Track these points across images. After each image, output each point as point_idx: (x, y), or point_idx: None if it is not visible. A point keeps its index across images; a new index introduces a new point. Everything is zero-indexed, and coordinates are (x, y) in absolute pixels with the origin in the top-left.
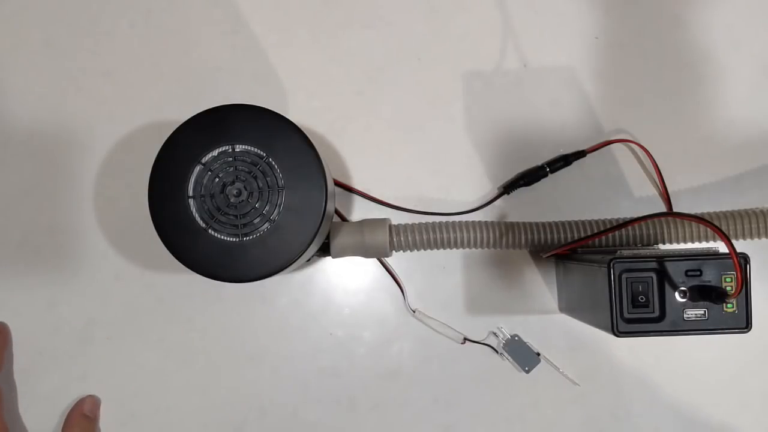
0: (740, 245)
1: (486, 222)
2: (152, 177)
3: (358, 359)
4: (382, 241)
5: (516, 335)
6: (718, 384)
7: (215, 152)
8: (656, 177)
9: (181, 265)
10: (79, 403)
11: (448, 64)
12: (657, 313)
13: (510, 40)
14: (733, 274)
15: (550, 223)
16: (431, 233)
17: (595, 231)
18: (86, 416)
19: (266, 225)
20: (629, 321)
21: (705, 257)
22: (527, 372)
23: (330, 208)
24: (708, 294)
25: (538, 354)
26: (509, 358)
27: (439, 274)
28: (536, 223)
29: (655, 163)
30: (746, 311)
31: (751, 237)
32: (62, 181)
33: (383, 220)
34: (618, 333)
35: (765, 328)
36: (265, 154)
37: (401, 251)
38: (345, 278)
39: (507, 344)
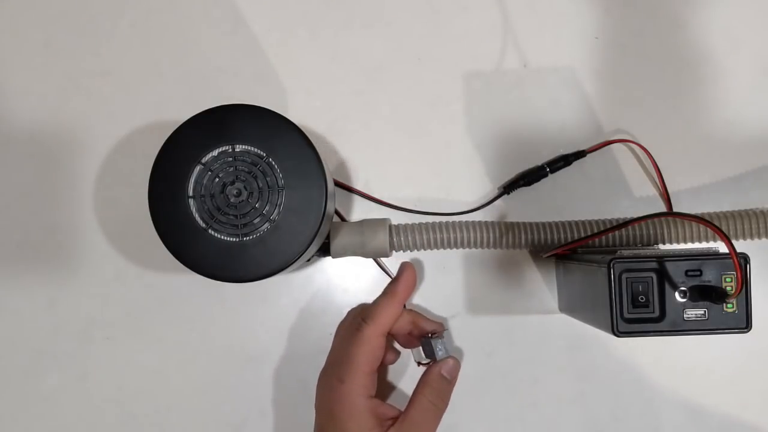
0: (740, 245)
1: (486, 222)
2: (152, 177)
3: None
4: (382, 241)
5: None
6: (718, 384)
7: (215, 152)
8: (656, 177)
9: (181, 265)
10: (440, 363)
11: (448, 64)
12: (657, 313)
13: (510, 40)
14: (733, 274)
15: (550, 223)
16: (431, 233)
17: (595, 231)
18: (444, 377)
19: (266, 225)
20: (629, 321)
21: (705, 257)
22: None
23: (330, 208)
24: (708, 294)
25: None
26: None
27: (439, 274)
28: (536, 223)
29: (655, 163)
30: (746, 311)
31: (751, 237)
32: (62, 181)
33: (383, 220)
34: (618, 333)
35: (765, 328)
36: (265, 154)
37: (401, 251)
38: (345, 278)
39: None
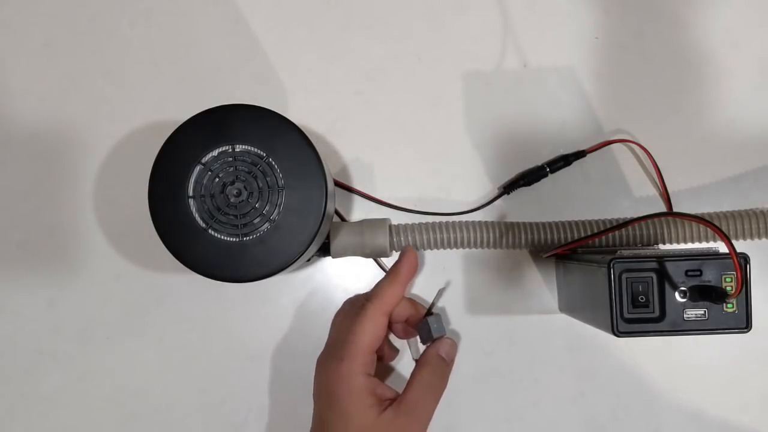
0: (740, 245)
1: (486, 222)
2: (152, 177)
3: None
4: (382, 241)
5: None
6: (718, 384)
7: (215, 152)
8: (656, 177)
9: (181, 265)
10: (437, 344)
11: (448, 64)
12: (657, 313)
13: (510, 40)
14: (733, 274)
15: (550, 223)
16: (431, 233)
17: (595, 231)
18: (442, 358)
19: (266, 225)
20: (629, 321)
21: (705, 257)
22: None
23: (330, 208)
24: (708, 294)
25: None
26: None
27: (439, 274)
28: (536, 223)
29: (655, 163)
30: (746, 311)
31: (751, 237)
32: (62, 181)
33: (383, 220)
34: (618, 333)
35: (765, 328)
36: (265, 154)
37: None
38: (345, 278)
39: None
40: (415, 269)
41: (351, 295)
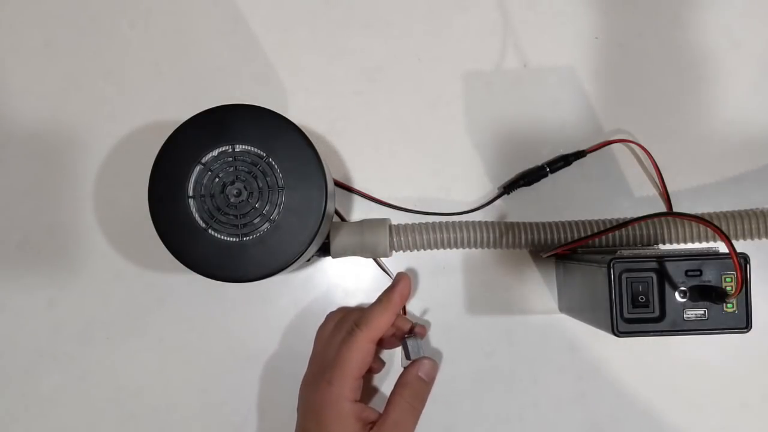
0: (740, 245)
1: (486, 222)
2: (152, 177)
3: None
4: (382, 241)
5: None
6: (718, 384)
7: (215, 152)
8: (656, 177)
9: (181, 265)
10: (417, 364)
11: (448, 64)
12: (657, 313)
13: (510, 40)
14: (733, 274)
15: (550, 223)
16: (431, 233)
17: (595, 231)
18: (421, 379)
19: (266, 225)
20: (629, 321)
21: (705, 257)
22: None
23: (330, 208)
24: (708, 294)
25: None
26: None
27: (439, 274)
28: (536, 223)
29: (655, 163)
30: (746, 311)
31: (751, 237)
32: (62, 181)
33: (383, 220)
34: (618, 333)
35: (765, 328)
36: (265, 154)
37: (401, 251)
38: (345, 278)
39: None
40: (408, 296)
41: (350, 295)
